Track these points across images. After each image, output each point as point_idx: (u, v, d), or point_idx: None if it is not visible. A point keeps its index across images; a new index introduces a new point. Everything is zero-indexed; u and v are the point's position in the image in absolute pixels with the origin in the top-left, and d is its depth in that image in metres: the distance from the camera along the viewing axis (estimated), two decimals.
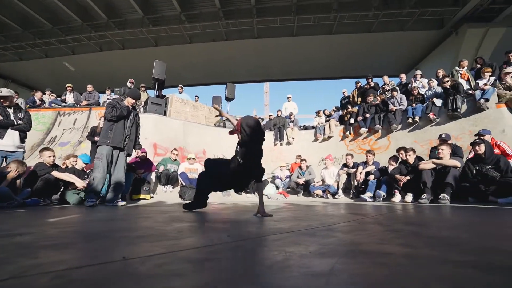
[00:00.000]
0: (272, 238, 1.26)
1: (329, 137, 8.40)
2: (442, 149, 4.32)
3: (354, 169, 5.99)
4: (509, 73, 6.01)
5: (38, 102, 9.21)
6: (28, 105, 9.04)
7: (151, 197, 5.33)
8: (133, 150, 4.13)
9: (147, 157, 5.88)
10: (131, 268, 0.78)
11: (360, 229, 1.56)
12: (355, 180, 5.87)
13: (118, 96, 6.93)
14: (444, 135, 5.19)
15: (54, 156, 4.25)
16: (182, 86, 9.79)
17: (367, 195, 5.24)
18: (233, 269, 0.74)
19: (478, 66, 7.11)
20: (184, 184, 5.75)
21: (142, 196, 5.17)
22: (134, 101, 4.07)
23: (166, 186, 5.99)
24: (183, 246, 1.07)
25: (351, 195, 5.93)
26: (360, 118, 7.81)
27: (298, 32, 14.18)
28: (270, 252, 0.96)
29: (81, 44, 15.34)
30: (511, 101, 5.70)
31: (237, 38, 14.76)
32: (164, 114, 8.12)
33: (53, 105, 8.97)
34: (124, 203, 3.87)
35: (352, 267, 0.77)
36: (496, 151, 4.47)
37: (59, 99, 9.59)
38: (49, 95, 9.75)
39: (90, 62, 16.27)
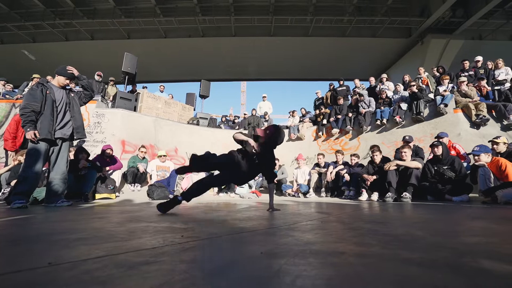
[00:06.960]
0: (227, 239, 1.20)
1: (302, 138, 8.53)
2: (404, 152, 4.56)
3: (325, 169, 6.13)
4: (463, 81, 6.54)
5: None
6: None
7: (116, 197, 5.03)
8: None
9: (113, 154, 5.56)
10: (52, 275, 0.68)
11: (320, 228, 1.56)
12: (325, 180, 6.01)
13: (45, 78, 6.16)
14: (407, 137, 5.49)
15: None
16: (164, 85, 10.01)
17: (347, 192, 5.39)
18: (168, 274, 0.67)
19: (438, 74, 7.68)
20: (153, 182, 5.52)
21: (106, 195, 4.86)
22: (68, 81, 3.41)
23: (133, 184, 5.71)
24: (127, 249, 0.98)
25: (325, 194, 6.04)
26: (332, 119, 8.03)
27: (275, 33, 14.30)
28: (218, 253, 0.90)
29: (43, 32, 14.21)
30: (466, 107, 6.16)
31: (214, 35, 14.55)
32: (134, 109, 7.75)
33: (7, 96, 8.16)
34: (70, 203, 3.32)
35: (300, 268, 0.73)
36: (452, 152, 4.79)
37: (16, 90, 8.75)
38: (4, 85, 8.85)
39: (54, 51, 15.11)
